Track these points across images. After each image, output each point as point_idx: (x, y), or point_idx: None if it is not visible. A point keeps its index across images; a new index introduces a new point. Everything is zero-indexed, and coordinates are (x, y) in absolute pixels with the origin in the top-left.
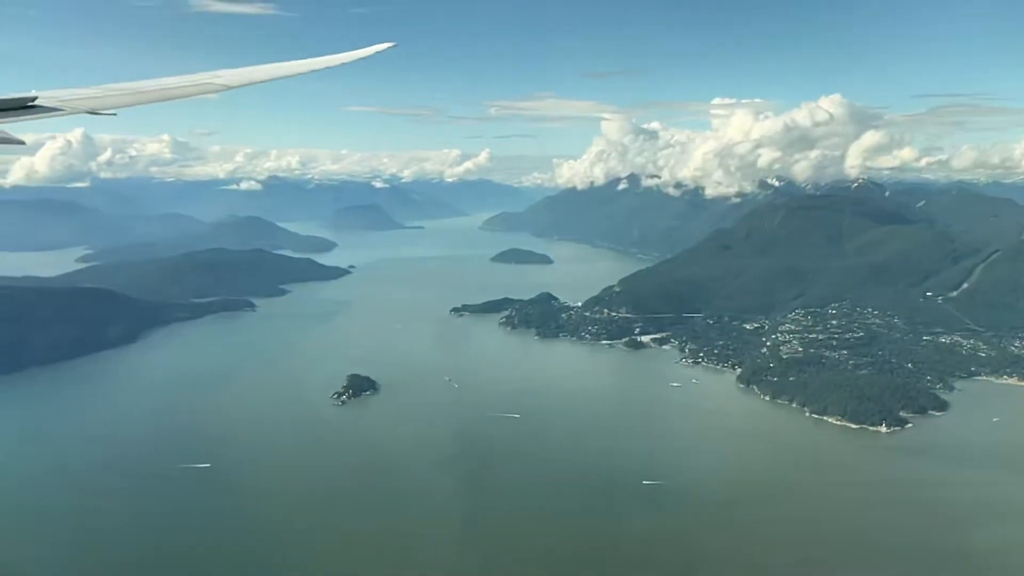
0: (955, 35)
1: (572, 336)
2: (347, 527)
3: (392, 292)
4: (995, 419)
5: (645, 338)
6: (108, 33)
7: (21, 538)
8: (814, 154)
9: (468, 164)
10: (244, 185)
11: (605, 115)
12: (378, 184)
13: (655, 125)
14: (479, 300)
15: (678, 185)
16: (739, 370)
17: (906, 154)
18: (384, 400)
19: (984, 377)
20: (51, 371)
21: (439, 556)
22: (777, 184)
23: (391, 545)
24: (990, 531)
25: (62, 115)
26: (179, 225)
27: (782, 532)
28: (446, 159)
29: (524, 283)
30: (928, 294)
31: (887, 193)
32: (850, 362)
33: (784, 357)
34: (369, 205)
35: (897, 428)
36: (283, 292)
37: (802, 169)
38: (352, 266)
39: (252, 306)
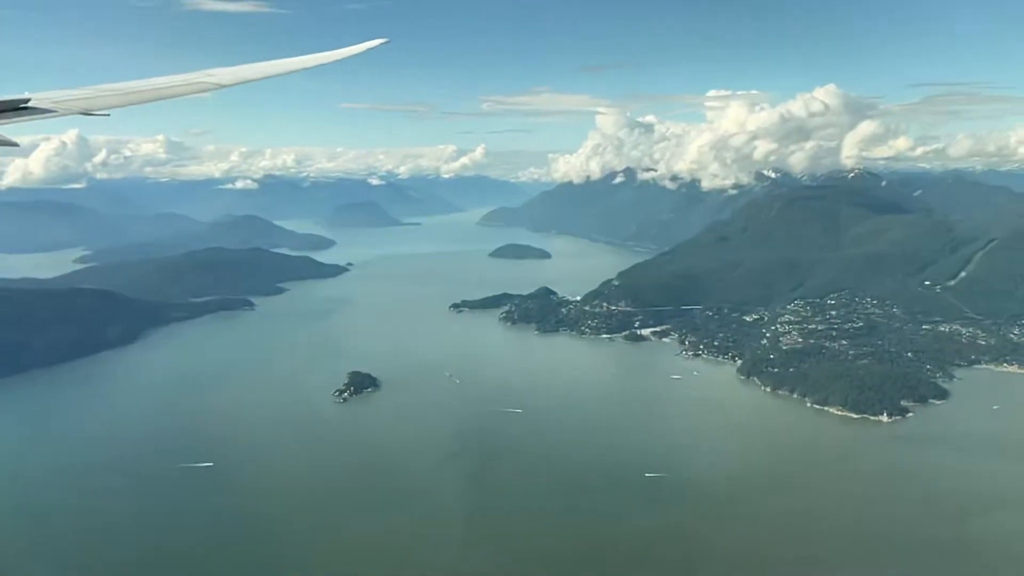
0: (949, 24)
1: (572, 330)
2: (349, 526)
3: (391, 289)
4: (996, 407)
5: (645, 331)
6: (100, 33)
7: (23, 539)
8: (810, 145)
9: (464, 160)
10: (240, 184)
11: (600, 109)
12: (374, 181)
13: (650, 118)
14: (478, 296)
15: (674, 178)
16: (739, 362)
17: (902, 144)
18: (386, 397)
19: (984, 365)
20: (51, 373)
21: (441, 553)
22: (773, 176)
23: (393, 544)
24: (993, 520)
25: (55, 116)
26: (176, 225)
27: (785, 524)
28: (442, 155)
29: (523, 278)
30: (926, 283)
31: (883, 183)
32: (850, 352)
33: (784, 348)
34: (366, 202)
35: (898, 417)
36: (281, 290)
37: (798, 160)
38: (350, 263)
39: (251, 305)
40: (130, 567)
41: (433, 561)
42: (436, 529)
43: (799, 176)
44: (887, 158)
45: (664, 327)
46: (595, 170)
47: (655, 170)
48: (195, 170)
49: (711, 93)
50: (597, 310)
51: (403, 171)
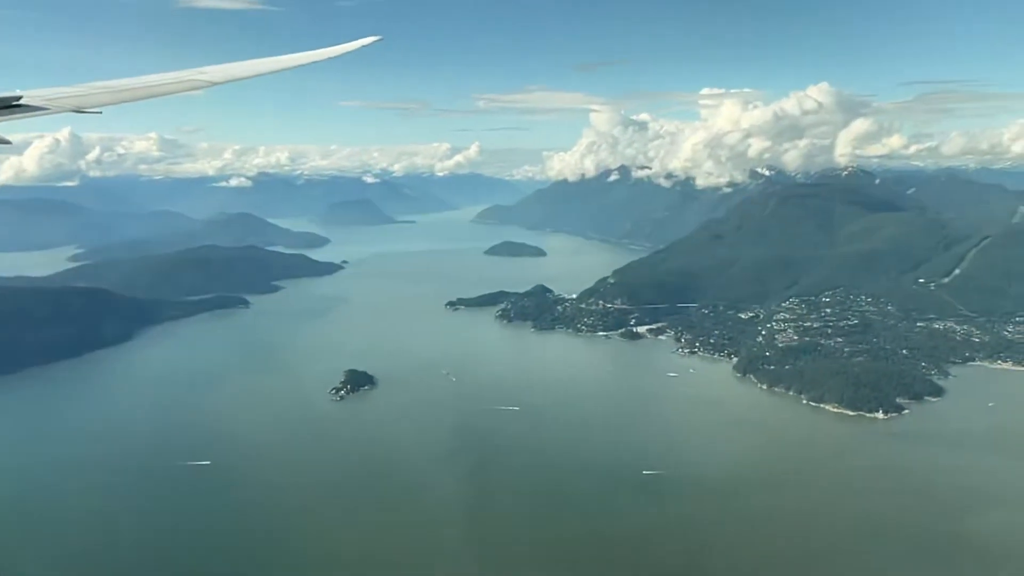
0: (942, 22)
1: (568, 328)
2: (347, 524)
3: (386, 287)
4: (990, 404)
5: (641, 329)
6: (93, 30)
7: (21, 538)
8: (803, 143)
9: (458, 158)
10: (234, 182)
11: (594, 106)
12: (369, 179)
13: (644, 116)
14: (474, 294)
15: (669, 176)
16: (735, 359)
17: (895, 142)
18: (382, 395)
19: (978, 362)
20: (47, 371)
21: (440, 550)
22: (767, 173)
23: (391, 541)
24: (988, 516)
25: (48, 114)
26: (170, 223)
27: (782, 520)
28: (436, 153)
29: (518, 276)
30: (920, 280)
31: (877, 181)
32: (845, 349)
33: (780, 346)
34: (360, 200)
35: (894, 414)
36: (276, 289)
37: (792, 158)
38: (345, 261)
39: (246, 303)
40: (128, 566)
41: (431, 558)
42: (434, 526)
43: (793, 174)
44: (881, 156)
45: (660, 325)
46: (590, 168)
47: (649, 168)
48: (189, 168)
49: (705, 91)
50: (593, 308)
51: (397, 169)
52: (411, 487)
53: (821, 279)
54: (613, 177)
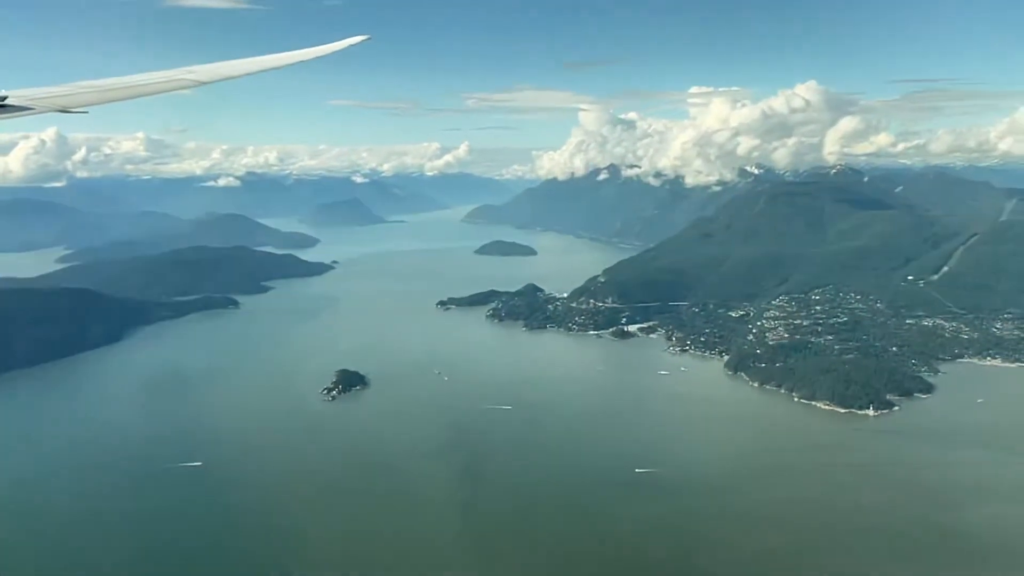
0: (929, 21)
1: (559, 327)
2: (340, 523)
3: (377, 287)
4: (980, 400)
5: (632, 327)
6: (78, 30)
7: (12, 540)
8: (792, 141)
9: (448, 157)
10: (222, 182)
11: (583, 105)
12: (358, 179)
13: (633, 115)
14: (465, 293)
15: (658, 175)
16: (726, 357)
17: (882, 140)
18: (374, 394)
19: (968, 359)
20: (35, 373)
21: (433, 548)
22: (756, 172)
23: (384, 540)
24: (979, 510)
25: (33, 114)
26: (158, 223)
27: (774, 517)
28: (426, 152)
29: (509, 275)
30: (909, 278)
31: (866, 179)
32: (836, 347)
33: (770, 343)
34: (350, 200)
35: (884, 411)
36: (266, 289)
37: (781, 156)
38: (335, 261)
39: (236, 304)
40: (123, 567)
41: (424, 557)
42: (427, 525)
43: (782, 172)
44: (868, 154)
45: (651, 323)
46: (579, 167)
47: (639, 167)
48: (176, 168)
49: (693, 89)
50: (584, 307)
51: (387, 169)
52: (404, 486)
53: (811, 277)
54: (602, 176)
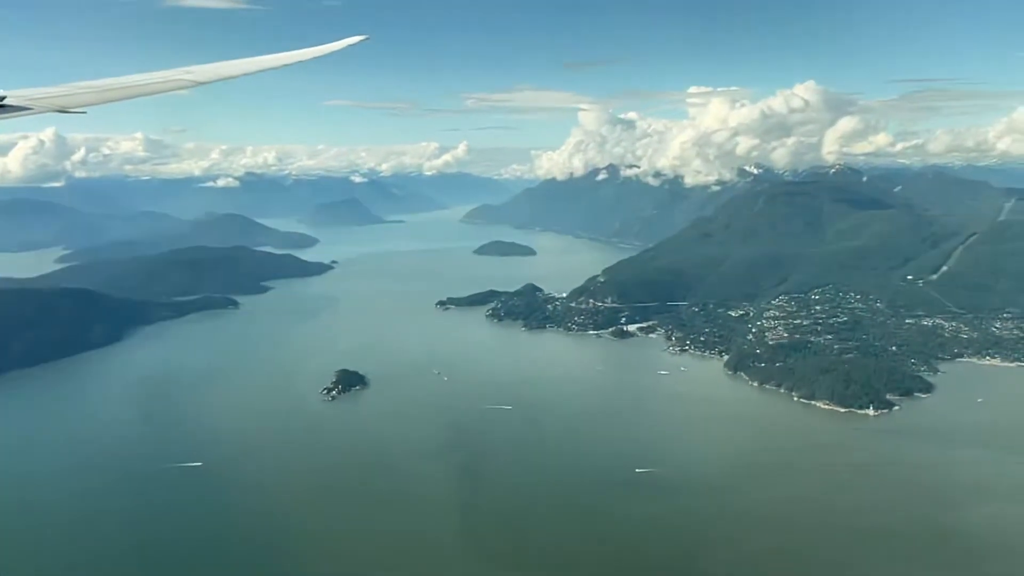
0: (928, 21)
1: (559, 327)
2: (340, 524)
3: (376, 287)
4: (979, 400)
5: (631, 327)
6: (76, 30)
7: (12, 541)
8: (791, 141)
9: (447, 157)
10: (221, 182)
11: (582, 106)
12: (357, 179)
13: (632, 115)
14: (464, 293)
15: (657, 174)
16: (726, 357)
17: (881, 139)
18: (374, 395)
19: (967, 359)
20: (35, 373)
21: (432, 548)
22: (756, 172)
23: (383, 540)
24: (979, 509)
25: (31, 114)
26: (157, 223)
27: (775, 517)
28: (424, 152)
29: (508, 275)
30: (909, 277)
31: (864, 178)
32: (835, 346)
33: (770, 343)
34: (349, 200)
35: (884, 411)
36: (266, 289)
37: (780, 156)
38: (335, 261)
39: (235, 304)
40: (121, 567)
41: (423, 557)
42: (426, 525)
43: (781, 172)
44: (867, 154)
45: (650, 323)
46: (578, 167)
47: (638, 167)
48: (175, 168)
49: (692, 89)
50: (583, 306)
51: (385, 168)
52: (404, 486)
53: (810, 277)
54: (602, 176)
